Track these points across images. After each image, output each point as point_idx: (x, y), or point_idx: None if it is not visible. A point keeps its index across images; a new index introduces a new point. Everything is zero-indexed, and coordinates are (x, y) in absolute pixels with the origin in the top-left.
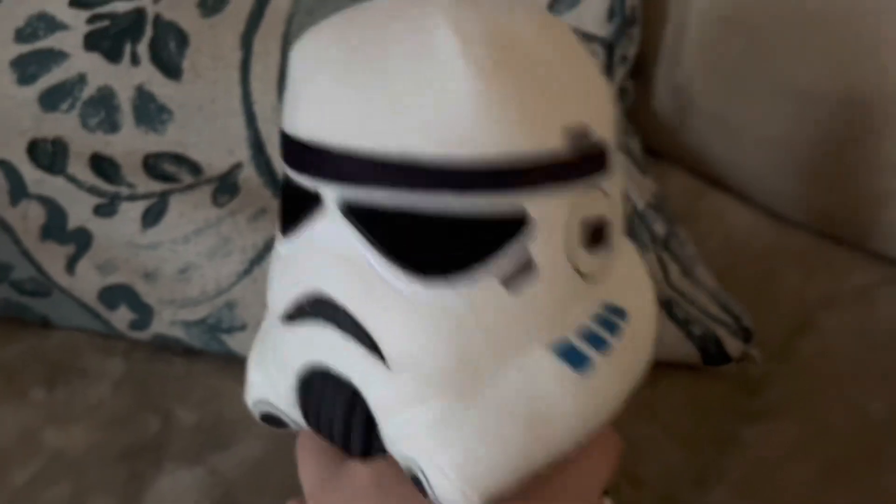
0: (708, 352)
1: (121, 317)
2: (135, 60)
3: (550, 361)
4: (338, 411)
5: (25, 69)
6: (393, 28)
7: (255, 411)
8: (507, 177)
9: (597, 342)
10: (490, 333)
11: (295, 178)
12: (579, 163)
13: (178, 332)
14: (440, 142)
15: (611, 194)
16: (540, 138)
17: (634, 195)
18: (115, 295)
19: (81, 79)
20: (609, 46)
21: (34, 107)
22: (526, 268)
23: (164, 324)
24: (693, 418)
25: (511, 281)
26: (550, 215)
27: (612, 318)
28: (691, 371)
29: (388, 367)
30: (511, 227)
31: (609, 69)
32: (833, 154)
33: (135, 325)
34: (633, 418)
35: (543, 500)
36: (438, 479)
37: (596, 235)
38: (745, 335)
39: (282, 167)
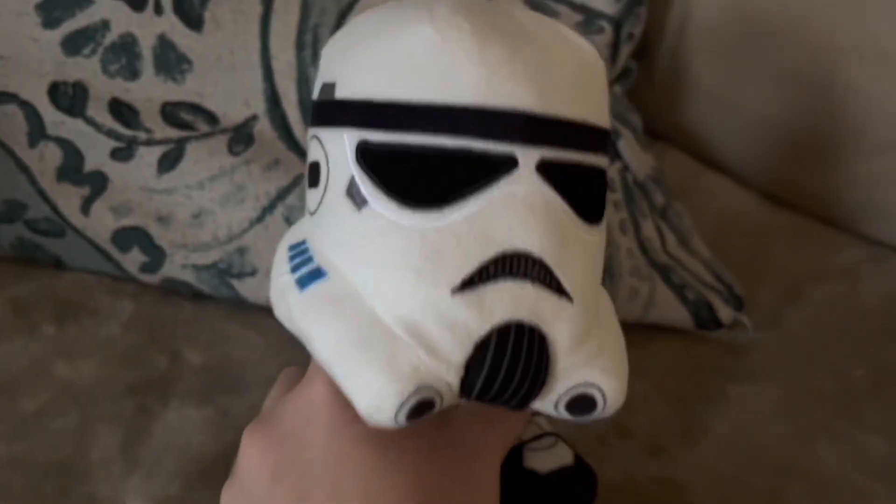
0: (700, 317)
1: (132, 259)
2: (158, 9)
3: None
4: (530, 361)
5: (50, 13)
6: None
7: (409, 404)
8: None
9: None
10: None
11: (472, 146)
12: None
13: (189, 276)
14: (597, 112)
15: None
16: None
17: (635, 166)
18: (128, 237)
19: (105, 25)
20: (616, 24)
21: (57, 50)
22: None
23: (175, 267)
24: (682, 377)
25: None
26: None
27: None
28: (683, 335)
29: (573, 304)
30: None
31: (615, 47)
32: (825, 138)
33: (146, 268)
34: None
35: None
36: (614, 392)
37: None
38: (737, 303)
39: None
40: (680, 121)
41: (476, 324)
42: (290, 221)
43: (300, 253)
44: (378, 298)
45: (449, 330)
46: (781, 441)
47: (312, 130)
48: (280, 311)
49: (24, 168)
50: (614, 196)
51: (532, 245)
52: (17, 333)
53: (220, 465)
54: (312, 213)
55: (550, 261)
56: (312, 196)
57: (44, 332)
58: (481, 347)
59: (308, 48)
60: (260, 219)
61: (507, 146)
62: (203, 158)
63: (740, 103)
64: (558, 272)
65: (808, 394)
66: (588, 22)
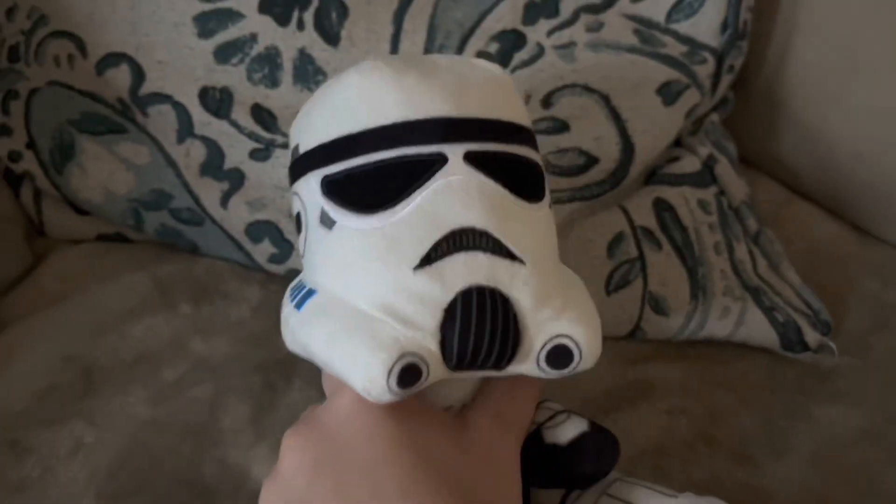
0: (788, 339)
1: (262, 250)
2: (300, 26)
3: None
4: (496, 319)
5: (206, 25)
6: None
7: (396, 370)
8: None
9: None
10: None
11: (407, 152)
12: None
13: None
14: (509, 112)
15: None
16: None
17: (730, 191)
18: (260, 230)
19: (253, 38)
20: (719, 56)
21: (209, 58)
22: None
23: (300, 260)
24: (768, 394)
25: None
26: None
27: None
28: (770, 355)
29: (526, 267)
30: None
31: (717, 77)
32: None
33: (273, 259)
34: (712, 388)
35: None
36: (587, 339)
37: None
38: (824, 328)
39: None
40: (773, 150)
41: (439, 293)
42: None
43: (297, 288)
44: (356, 294)
45: (418, 302)
46: (864, 462)
47: (291, 189)
48: (287, 340)
49: (171, 162)
50: (710, 219)
51: (474, 221)
52: (160, 310)
53: None
54: (302, 256)
55: (495, 231)
56: (300, 241)
57: (182, 310)
58: (450, 312)
59: None
60: None
61: (434, 147)
62: None
63: (834, 136)
64: (506, 241)
65: (893, 419)
66: (692, 52)
